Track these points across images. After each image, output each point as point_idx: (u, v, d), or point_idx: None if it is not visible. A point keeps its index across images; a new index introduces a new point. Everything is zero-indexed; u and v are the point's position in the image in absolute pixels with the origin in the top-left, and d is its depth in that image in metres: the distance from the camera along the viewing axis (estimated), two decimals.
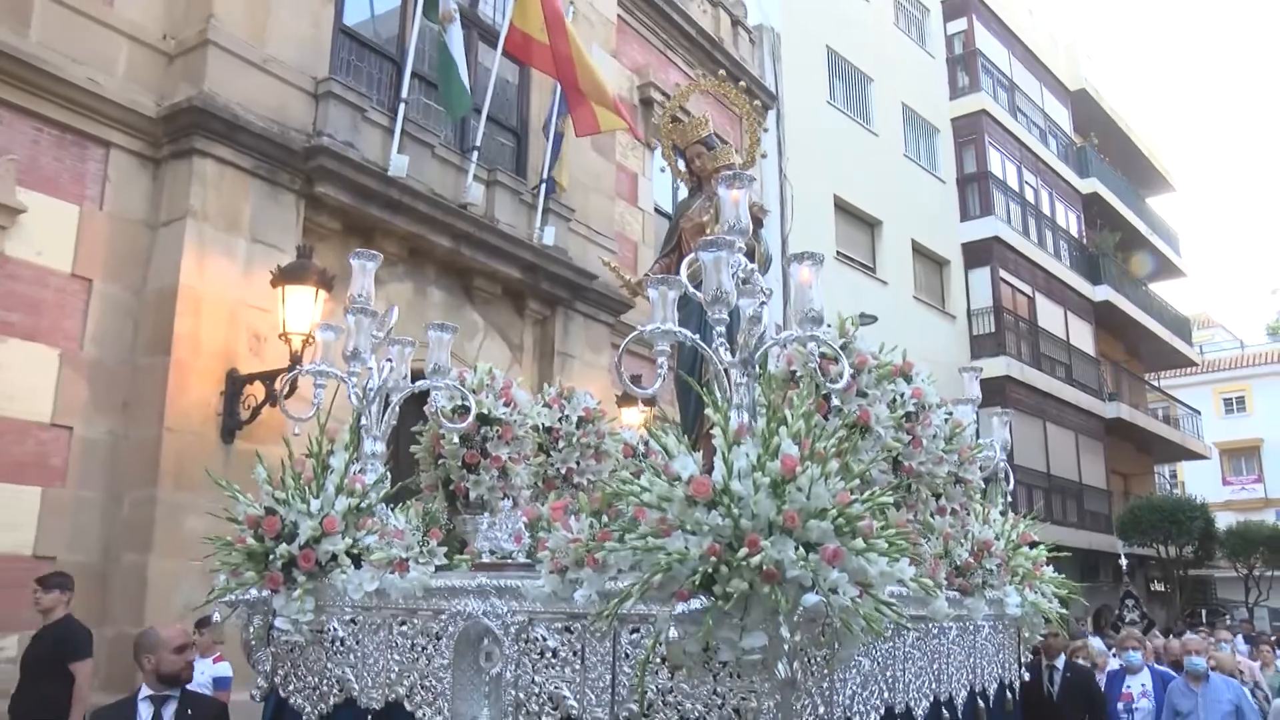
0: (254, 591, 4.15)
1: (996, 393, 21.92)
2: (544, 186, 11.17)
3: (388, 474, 4.65)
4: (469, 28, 10.98)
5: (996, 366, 22.06)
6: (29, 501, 7.20)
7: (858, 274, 19.21)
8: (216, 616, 4.52)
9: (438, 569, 3.95)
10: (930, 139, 23.26)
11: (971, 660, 4.67)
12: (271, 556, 4.09)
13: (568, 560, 3.35)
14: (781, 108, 17.87)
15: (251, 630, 4.24)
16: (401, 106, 9.62)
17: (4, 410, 7.18)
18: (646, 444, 5.49)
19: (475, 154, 10.41)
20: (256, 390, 7.96)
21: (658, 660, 3.03)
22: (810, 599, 2.73)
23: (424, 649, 3.80)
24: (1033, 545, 5.28)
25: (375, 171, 9.23)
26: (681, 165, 6.90)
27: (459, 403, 4.93)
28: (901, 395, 4.28)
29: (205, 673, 6.69)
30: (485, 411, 5.02)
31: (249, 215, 8.39)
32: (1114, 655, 9.46)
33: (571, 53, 10.45)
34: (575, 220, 11.84)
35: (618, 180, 13.39)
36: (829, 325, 4.00)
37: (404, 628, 3.89)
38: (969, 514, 4.78)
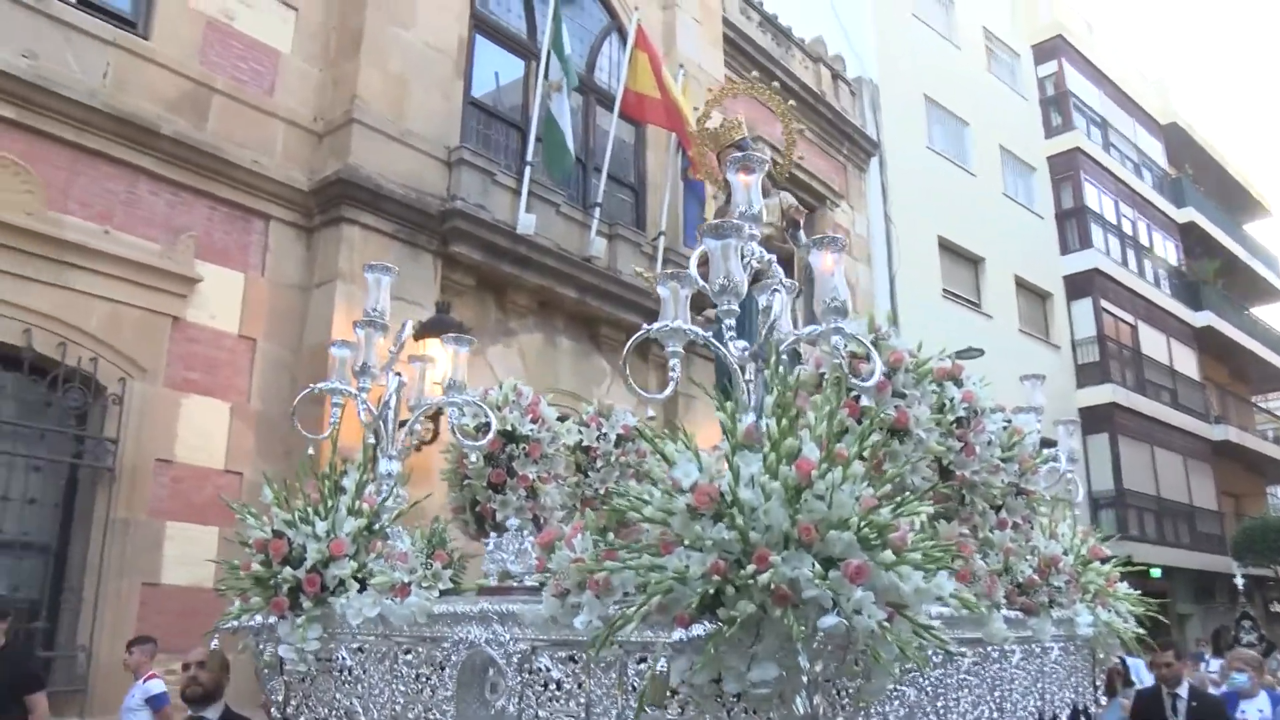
0: (258, 618, 3.76)
1: (1104, 419, 21.24)
2: (662, 238, 11.24)
3: (404, 494, 4.23)
4: (586, 94, 11.16)
5: (1102, 394, 21.38)
6: (209, 539, 7.48)
7: (964, 310, 18.85)
8: (215, 643, 4.18)
9: (443, 594, 3.50)
10: (1027, 177, 22.78)
11: (1039, 685, 4.11)
12: (276, 581, 3.69)
13: (569, 582, 2.80)
14: (883, 155, 17.72)
15: (265, 658, 3.82)
16: (527, 169, 9.81)
17: (189, 459, 7.54)
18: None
19: (597, 210, 10.55)
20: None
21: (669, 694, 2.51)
22: (828, 622, 2.24)
23: (428, 679, 3.37)
24: (1104, 561, 4.66)
25: (505, 230, 9.42)
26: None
27: (481, 420, 4.38)
28: (951, 400, 3.76)
29: (136, 694, 6.28)
30: (510, 429, 4.56)
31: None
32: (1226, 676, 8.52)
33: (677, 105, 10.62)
34: None
35: None
36: (888, 330, 3.68)
37: (409, 656, 3.45)
38: (1033, 528, 4.21)
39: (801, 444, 2.48)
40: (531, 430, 4.60)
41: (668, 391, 2.88)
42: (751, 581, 2.25)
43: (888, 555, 2.32)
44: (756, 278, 3.47)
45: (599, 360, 10.63)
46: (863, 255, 16.73)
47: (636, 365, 11.41)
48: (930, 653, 2.48)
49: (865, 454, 2.59)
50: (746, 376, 2.95)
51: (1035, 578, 4.05)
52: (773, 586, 2.24)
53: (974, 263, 19.88)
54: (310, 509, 3.77)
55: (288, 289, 8.43)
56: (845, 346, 3.20)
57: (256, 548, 3.75)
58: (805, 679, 2.31)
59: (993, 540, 3.92)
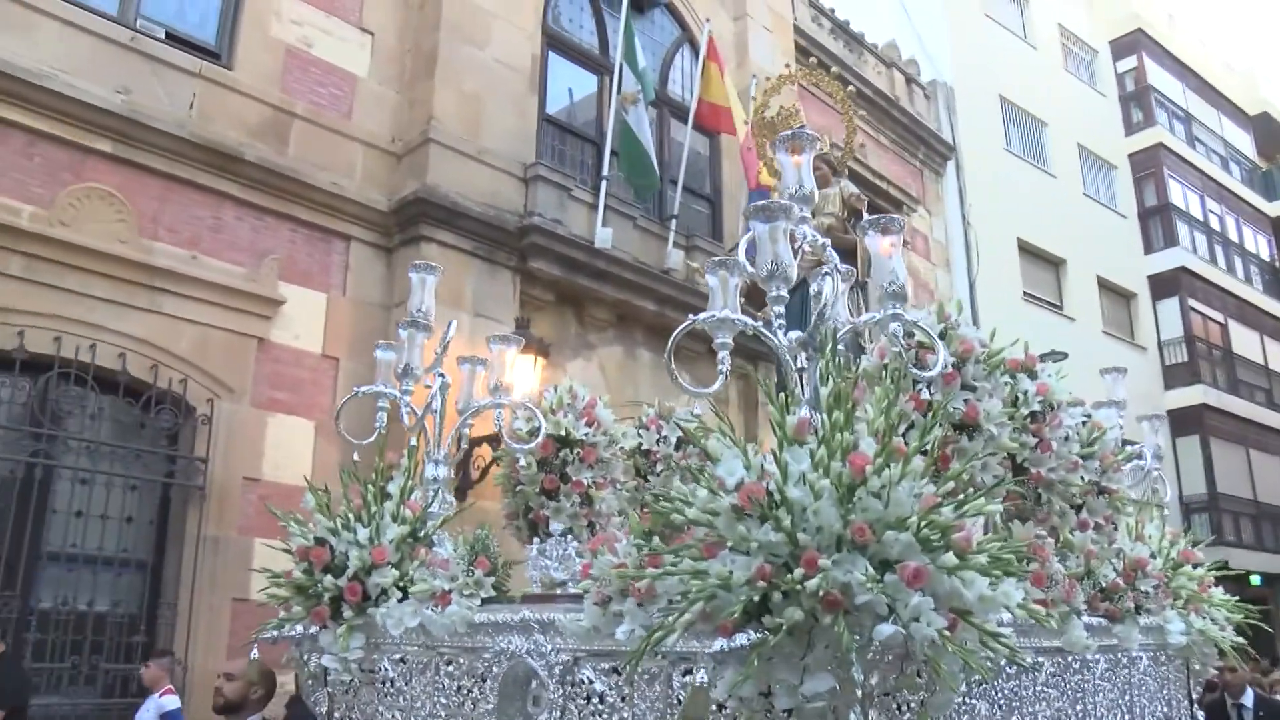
0: (299, 628, 3.62)
1: (1194, 421, 20.56)
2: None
3: (451, 500, 4.06)
4: (660, 106, 11.14)
5: (1192, 395, 20.69)
6: None
7: (1045, 313, 18.42)
8: (255, 653, 4.03)
9: (485, 602, 3.31)
10: (1108, 176, 22.20)
11: (1127, 698, 3.80)
12: (317, 590, 3.55)
13: (611, 590, 2.62)
14: (960, 158, 17.42)
15: (309, 669, 3.66)
16: (603, 184, 9.82)
17: (275, 476, 7.65)
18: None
19: (673, 222, 10.51)
20: (484, 452, 8.17)
21: (715, 708, 2.31)
22: (884, 630, 2.04)
23: (469, 692, 3.18)
24: (1196, 565, 4.31)
25: (583, 245, 9.43)
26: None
27: (534, 424, 4.22)
28: (1025, 393, 3.50)
29: (150, 709, 6.19)
30: (564, 433, 4.39)
31: (471, 292, 8.68)
32: None
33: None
34: None
35: None
36: (957, 319, 3.39)
37: (450, 668, 3.28)
38: (1116, 529, 3.91)
39: (857, 439, 2.29)
40: (587, 434, 4.46)
41: (716, 386, 2.73)
42: (800, 587, 2.06)
43: (949, 558, 2.12)
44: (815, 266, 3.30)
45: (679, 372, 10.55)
46: (941, 260, 16.45)
47: (715, 375, 11.30)
48: (1002, 664, 2.28)
49: (928, 449, 2.38)
50: (799, 365, 2.84)
51: (1120, 582, 3.78)
52: (822, 592, 2.05)
53: (1055, 265, 19.42)
54: (351, 515, 3.64)
55: (369, 308, 8.53)
56: (904, 334, 2.98)
57: (299, 555, 3.64)
58: (860, 692, 2.10)
59: (1073, 542, 3.67)
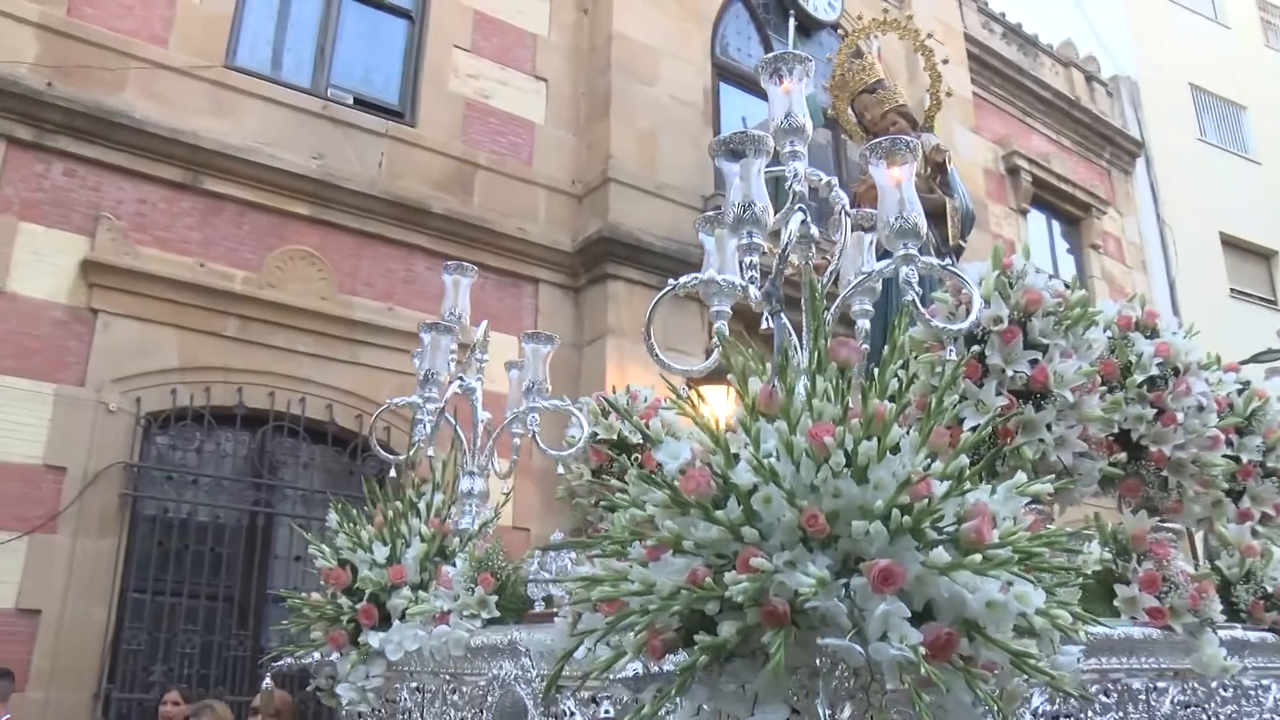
0: (316, 654, 3.36)
1: None
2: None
3: (494, 515, 3.71)
4: (834, 128, 10.82)
5: None
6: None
7: (1256, 308, 17.01)
8: (267, 682, 3.78)
9: (489, 622, 2.94)
10: None
11: None
12: (334, 613, 3.28)
13: (583, 605, 2.05)
14: (1149, 153, 16.35)
15: (336, 698, 3.32)
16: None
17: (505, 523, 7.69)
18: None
19: None
20: None
21: None
22: (833, 644, 1.51)
23: None
24: None
25: (768, 271, 9.19)
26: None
27: (593, 430, 3.77)
28: (1140, 356, 2.91)
29: None
30: (618, 437, 3.89)
31: (659, 326, 8.56)
32: None
33: None
34: None
35: None
36: (1023, 267, 2.76)
37: (455, 696, 2.94)
38: None
39: (844, 410, 1.73)
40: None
41: (709, 362, 2.34)
42: (734, 593, 1.55)
43: (940, 554, 1.57)
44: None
45: None
46: (1136, 262, 15.43)
47: None
48: (1009, 688, 1.63)
49: (941, 417, 1.81)
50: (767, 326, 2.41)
51: None
52: (763, 598, 1.55)
53: (1265, 257, 17.94)
54: (369, 533, 3.39)
55: (561, 348, 8.47)
56: (918, 280, 2.37)
57: (323, 577, 3.41)
58: None
59: (1226, 537, 3.01)
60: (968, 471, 1.69)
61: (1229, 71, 18.79)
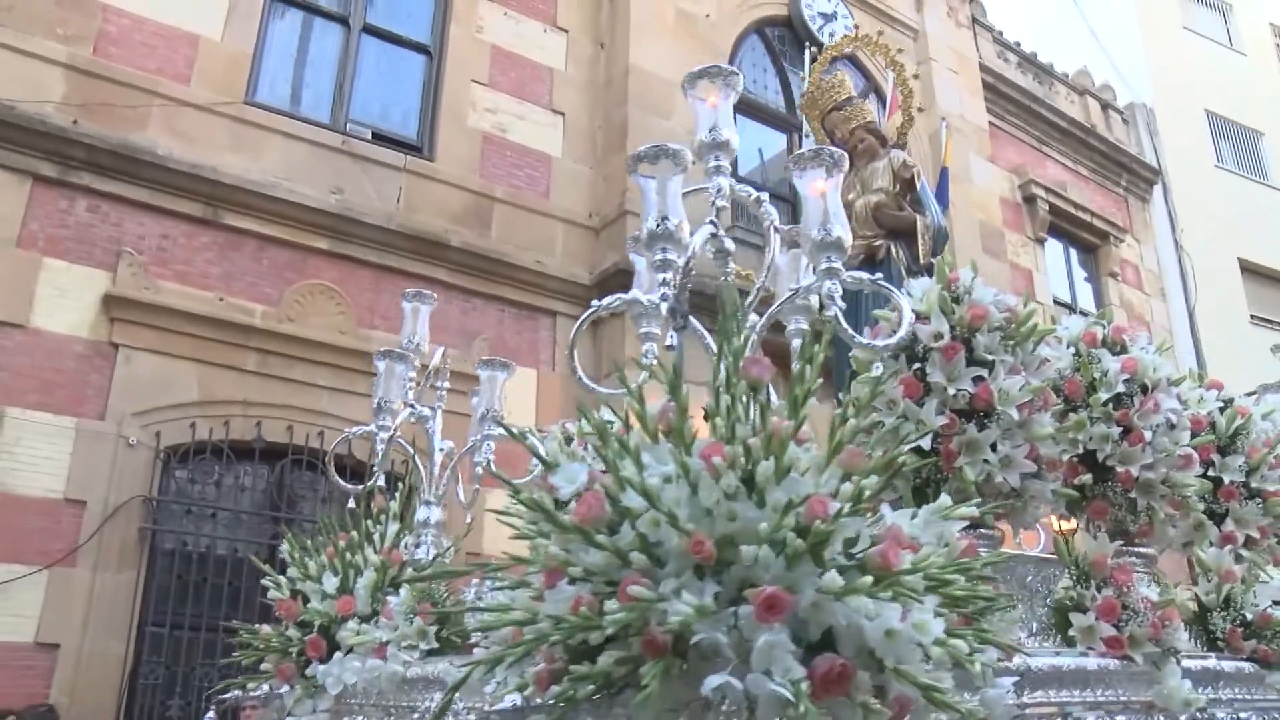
0: (265, 687, 3.27)
1: None
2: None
3: (451, 546, 3.63)
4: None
5: None
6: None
7: (1278, 334, 16.90)
8: (211, 715, 3.66)
9: (429, 654, 2.88)
10: None
11: None
12: (282, 645, 3.21)
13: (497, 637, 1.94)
14: (1167, 180, 16.30)
15: None
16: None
17: (493, 550, 7.65)
18: None
19: (879, 273, 10.17)
20: None
21: None
22: (712, 681, 1.39)
23: None
24: None
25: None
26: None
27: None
28: (1105, 373, 2.79)
29: None
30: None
31: (678, 360, 8.57)
32: None
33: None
34: None
35: (1012, 279, 12.65)
36: (970, 281, 2.60)
37: None
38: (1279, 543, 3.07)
39: (754, 429, 1.63)
40: None
41: (641, 379, 2.03)
42: (607, 623, 1.47)
43: (833, 579, 1.44)
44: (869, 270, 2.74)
45: None
46: (1155, 290, 15.36)
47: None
48: None
49: (858, 436, 1.71)
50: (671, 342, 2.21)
51: (1274, 614, 2.78)
52: (644, 630, 1.45)
53: None
54: (319, 564, 3.32)
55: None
56: (841, 295, 2.32)
57: (277, 609, 3.36)
58: None
59: (1205, 561, 2.83)
60: (867, 492, 1.56)
61: (1245, 97, 18.76)
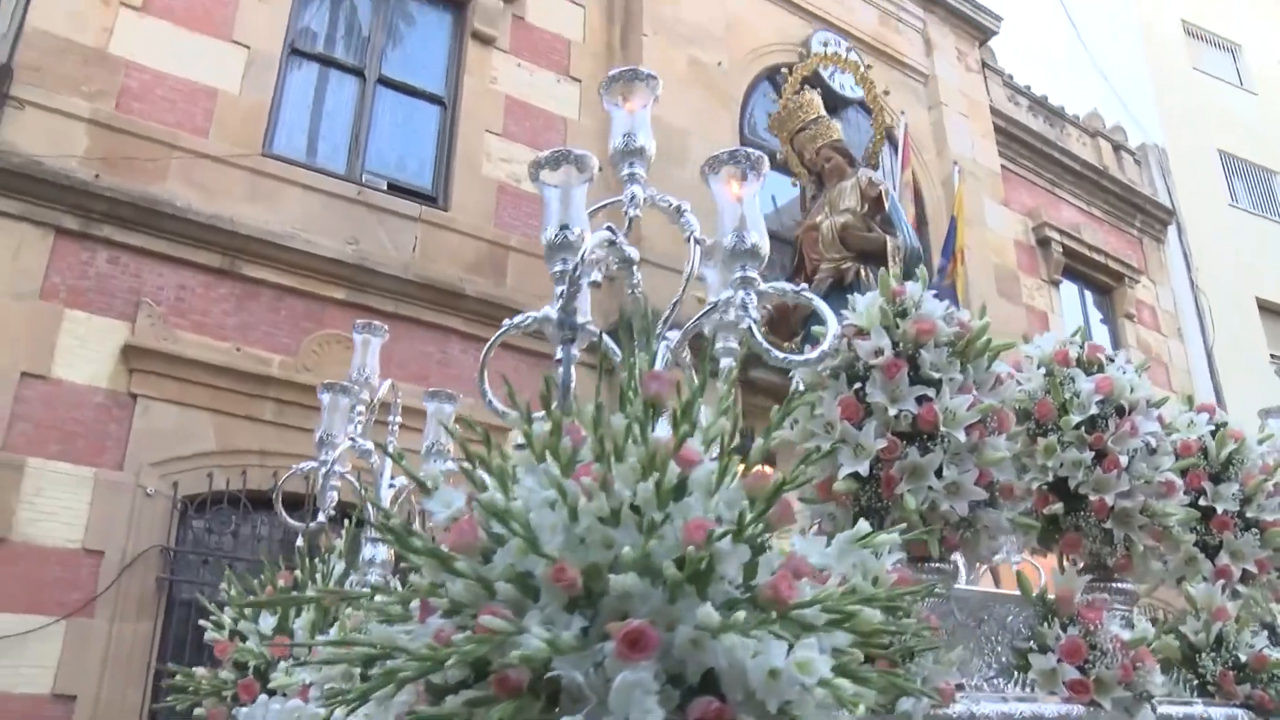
0: None
1: None
2: None
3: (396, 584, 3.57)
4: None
5: None
6: None
7: None
8: None
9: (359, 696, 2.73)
10: None
11: None
12: (214, 688, 3.14)
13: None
14: (1181, 220, 16.35)
15: None
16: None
17: None
18: None
19: None
20: None
21: None
22: None
23: None
24: None
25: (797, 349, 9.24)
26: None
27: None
28: (1077, 395, 2.58)
29: None
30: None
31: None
32: None
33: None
34: None
35: (1028, 321, 12.68)
36: (917, 295, 2.42)
37: None
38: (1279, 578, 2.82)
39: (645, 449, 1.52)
40: None
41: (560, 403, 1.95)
42: (461, 657, 1.35)
43: (707, 613, 1.31)
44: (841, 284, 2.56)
45: None
46: (1171, 330, 15.36)
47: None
48: None
49: (759, 455, 1.61)
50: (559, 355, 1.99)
51: (1271, 655, 2.58)
52: (504, 666, 1.34)
53: None
54: (244, 604, 3.26)
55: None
56: (756, 304, 2.21)
57: (216, 650, 3.30)
58: None
59: (1194, 597, 2.64)
60: (749, 516, 1.42)
61: (1258, 136, 18.85)
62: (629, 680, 1.26)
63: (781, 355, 2.27)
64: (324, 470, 3.77)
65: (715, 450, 1.60)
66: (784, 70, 9.57)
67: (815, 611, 1.38)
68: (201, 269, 7.39)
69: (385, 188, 8.39)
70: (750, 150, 2.35)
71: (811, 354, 2.23)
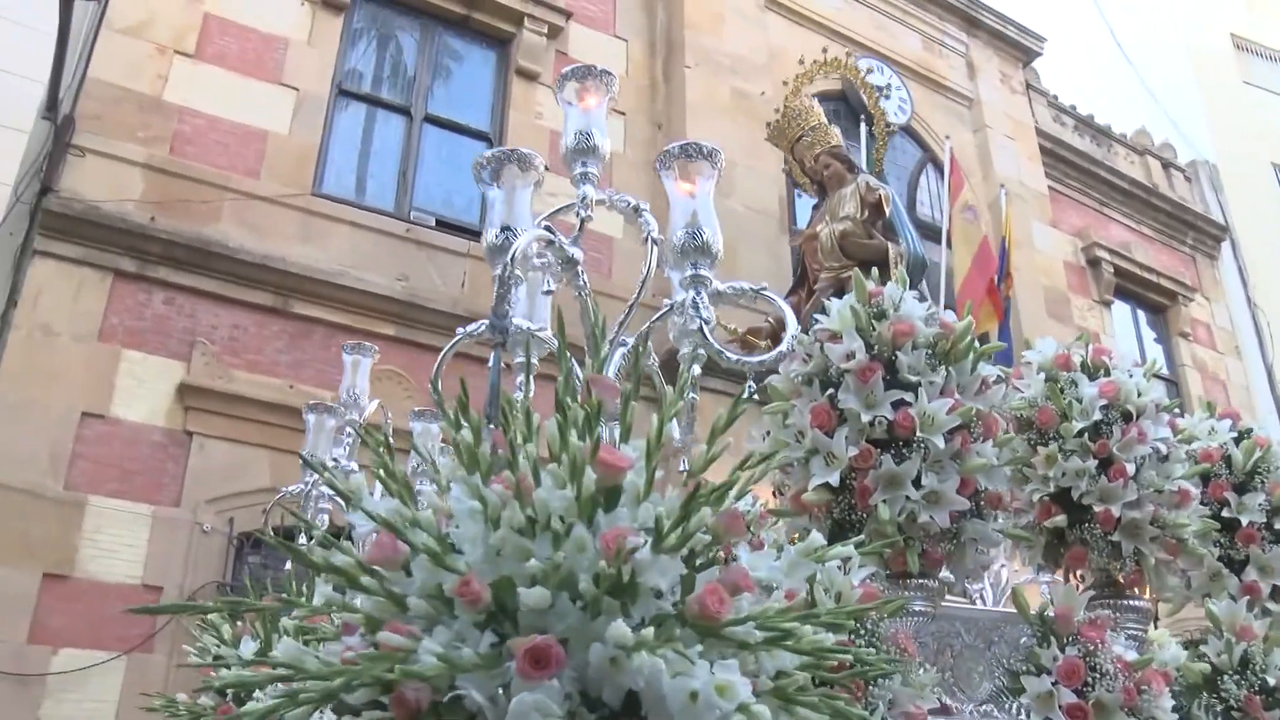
0: None
1: None
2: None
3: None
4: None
5: None
6: None
7: None
8: None
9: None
10: None
11: None
12: (191, 715, 3.13)
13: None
14: (1234, 236, 16.09)
15: None
16: None
17: None
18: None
19: None
20: None
21: None
22: None
23: None
24: None
25: None
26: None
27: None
28: (1079, 400, 2.45)
29: None
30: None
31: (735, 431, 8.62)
32: None
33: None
34: None
35: None
36: (897, 295, 2.31)
37: None
38: None
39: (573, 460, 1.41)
40: None
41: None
42: (351, 676, 1.27)
43: (618, 630, 1.22)
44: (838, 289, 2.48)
45: None
46: (1229, 349, 15.09)
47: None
48: None
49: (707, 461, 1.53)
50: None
51: None
52: (395, 679, 1.25)
53: None
54: (232, 630, 3.25)
55: None
56: (710, 305, 2.03)
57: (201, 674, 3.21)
58: None
59: (1216, 616, 2.43)
60: (667, 522, 1.34)
61: None
62: (527, 701, 1.18)
63: (734, 358, 2.18)
64: (305, 492, 3.71)
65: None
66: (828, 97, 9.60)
67: (748, 629, 1.29)
68: (254, 308, 7.54)
69: (433, 224, 8.50)
70: (704, 144, 2.24)
71: (765, 355, 2.10)
